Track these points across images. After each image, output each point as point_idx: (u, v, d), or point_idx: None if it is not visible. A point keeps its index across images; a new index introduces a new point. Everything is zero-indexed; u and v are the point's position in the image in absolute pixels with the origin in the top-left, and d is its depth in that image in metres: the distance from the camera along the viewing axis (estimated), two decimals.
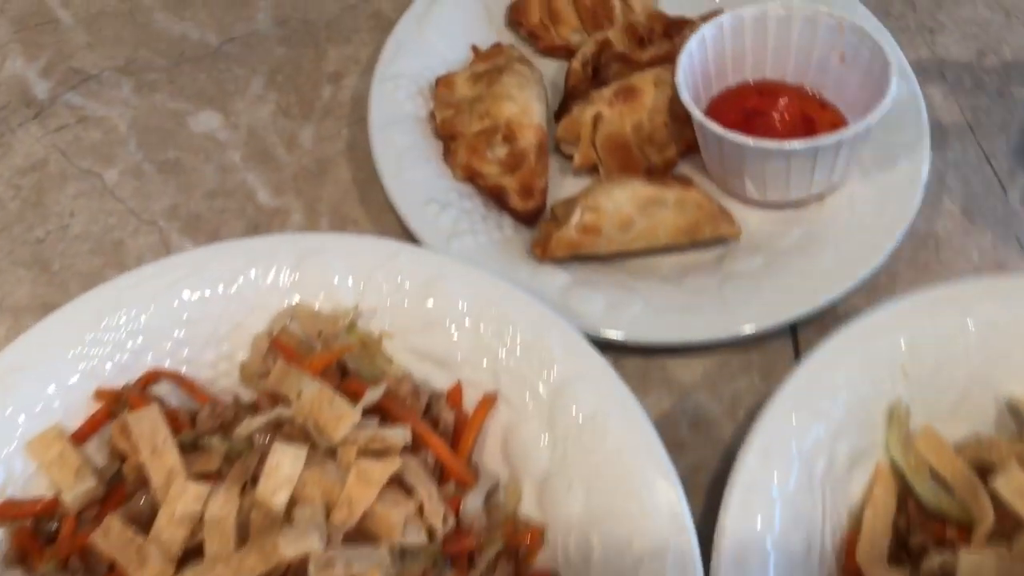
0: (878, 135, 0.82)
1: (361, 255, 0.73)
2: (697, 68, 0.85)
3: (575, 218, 0.79)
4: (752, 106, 0.88)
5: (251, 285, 0.72)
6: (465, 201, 0.84)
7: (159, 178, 0.91)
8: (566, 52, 0.96)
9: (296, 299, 0.73)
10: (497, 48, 0.94)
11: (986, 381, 0.70)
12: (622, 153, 0.86)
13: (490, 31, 0.98)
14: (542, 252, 0.80)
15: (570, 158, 0.88)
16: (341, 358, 0.71)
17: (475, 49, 0.95)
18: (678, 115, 0.85)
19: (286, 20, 1.03)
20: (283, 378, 0.67)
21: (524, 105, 0.85)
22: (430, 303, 0.72)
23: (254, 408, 0.70)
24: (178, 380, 0.71)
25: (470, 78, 0.90)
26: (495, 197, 0.85)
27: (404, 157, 0.85)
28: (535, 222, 0.85)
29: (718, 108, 0.87)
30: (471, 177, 0.86)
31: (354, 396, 0.68)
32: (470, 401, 0.71)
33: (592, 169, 0.88)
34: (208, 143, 0.93)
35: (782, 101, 0.88)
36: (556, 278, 0.80)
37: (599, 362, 0.68)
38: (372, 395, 0.67)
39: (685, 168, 0.90)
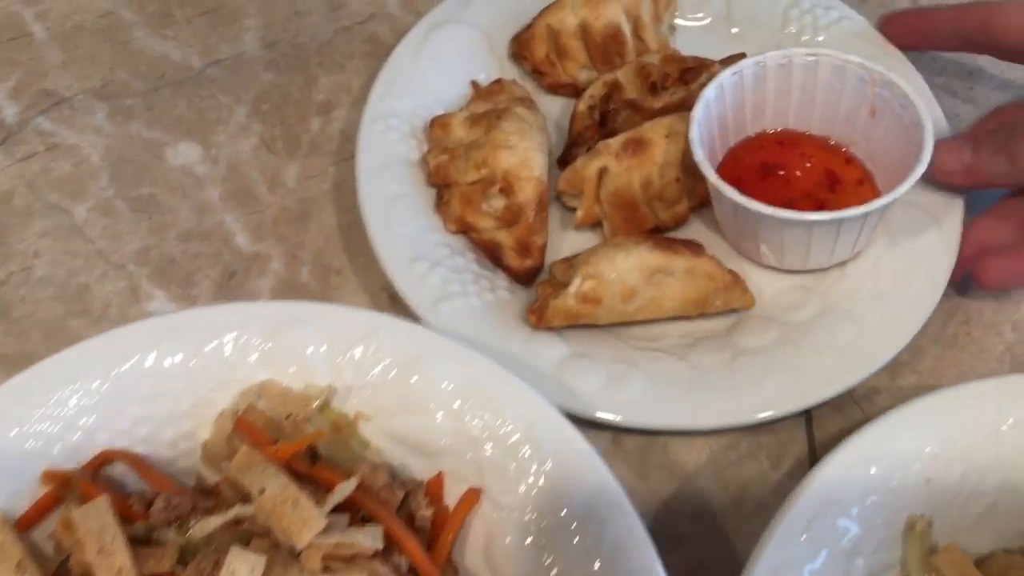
0: (907, 194, 0.75)
1: (338, 328, 0.67)
2: (714, 119, 0.78)
3: (574, 286, 0.72)
4: (771, 159, 0.81)
5: (216, 358, 0.66)
6: (457, 258, 0.78)
7: (131, 216, 0.85)
8: (573, 90, 0.88)
9: (265, 374, 0.67)
10: (499, 84, 0.87)
11: (1017, 490, 0.64)
12: (629, 210, 0.79)
13: (492, 65, 0.90)
14: (537, 320, 0.74)
15: (572, 210, 0.82)
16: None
17: (475, 85, 0.88)
18: (691, 169, 0.78)
19: (275, 42, 0.96)
20: (247, 467, 0.62)
21: (524, 155, 0.78)
22: (412, 384, 0.66)
23: (215, 493, 0.65)
24: (134, 463, 0.65)
25: (467, 120, 0.83)
26: (489, 253, 0.79)
27: (393, 207, 0.79)
28: (532, 282, 0.79)
29: (735, 160, 0.81)
30: (464, 230, 0.80)
31: (324, 484, 0.63)
32: (451, 494, 0.65)
33: (596, 224, 0.81)
34: (185, 178, 0.87)
35: (804, 154, 0.81)
36: (552, 349, 0.74)
37: (594, 461, 0.62)
38: (342, 492, 0.61)
39: (697, 223, 0.83)
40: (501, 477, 0.63)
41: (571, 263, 0.76)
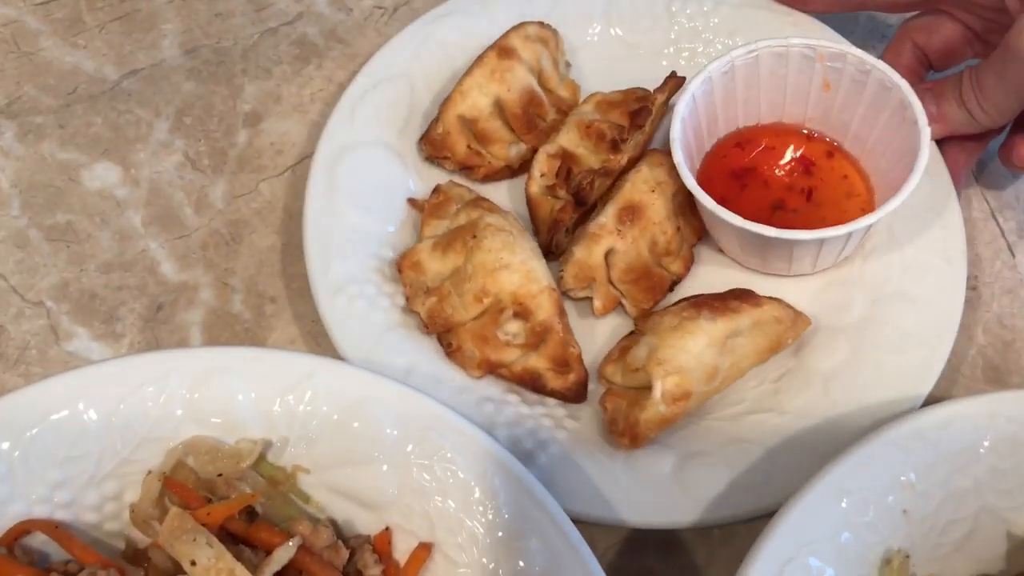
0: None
1: (268, 374, 0.62)
2: (684, 152, 0.73)
3: (657, 391, 0.66)
4: (739, 165, 0.78)
5: (138, 413, 0.61)
6: (506, 409, 0.70)
7: (47, 247, 0.79)
8: (509, 172, 0.81)
9: (192, 429, 0.61)
10: (441, 194, 0.77)
11: (996, 514, 0.61)
12: (645, 279, 0.74)
13: (411, 176, 0.80)
14: (632, 442, 0.67)
15: (579, 300, 0.76)
16: None
17: (414, 204, 0.79)
18: (685, 208, 0.75)
19: (196, 48, 0.89)
20: (178, 533, 0.57)
21: (525, 270, 0.70)
22: (353, 432, 0.61)
23: (144, 558, 0.60)
24: (54, 533, 0.60)
25: (435, 247, 0.74)
26: (529, 384, 0.71)
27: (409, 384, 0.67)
28: (584, 395, 0.71)
29: (707, 179, 0.77)
30: (491, 370, 0.71)
31: (263, 546, 0.59)
32: (401, 549, 0.61)
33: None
34: (104, 203, 0.81)
35: (766, 147, 0.79)
36: (659, 460, 0.68)
37: (553, 508, 0.58)
38: (279, 559, 0.57)
39: (703, 252, 0.79)
40: (453, 530, 0.59)
41: (623, 362, 0.70)
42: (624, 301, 0.75)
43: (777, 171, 0.78)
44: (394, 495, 0.61)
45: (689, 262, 0.77)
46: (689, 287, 0.76)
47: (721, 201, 0.70)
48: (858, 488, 0.59)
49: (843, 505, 0.58)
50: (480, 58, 0.80)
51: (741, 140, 0.79)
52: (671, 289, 0.76)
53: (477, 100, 0.79)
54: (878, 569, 0.59)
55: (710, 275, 0.77)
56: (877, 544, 0.59)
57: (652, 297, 0.75)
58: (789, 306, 0.72)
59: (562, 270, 0.74)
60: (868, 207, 0.75)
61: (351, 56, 0.89)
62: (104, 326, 0.75)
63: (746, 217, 0.69)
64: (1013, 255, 0.79)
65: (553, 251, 0.76)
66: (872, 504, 0.59)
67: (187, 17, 0.91)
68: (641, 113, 0.77)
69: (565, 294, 0.75)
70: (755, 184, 0.77)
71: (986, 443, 0.61)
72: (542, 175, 0.77)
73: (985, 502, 0.61)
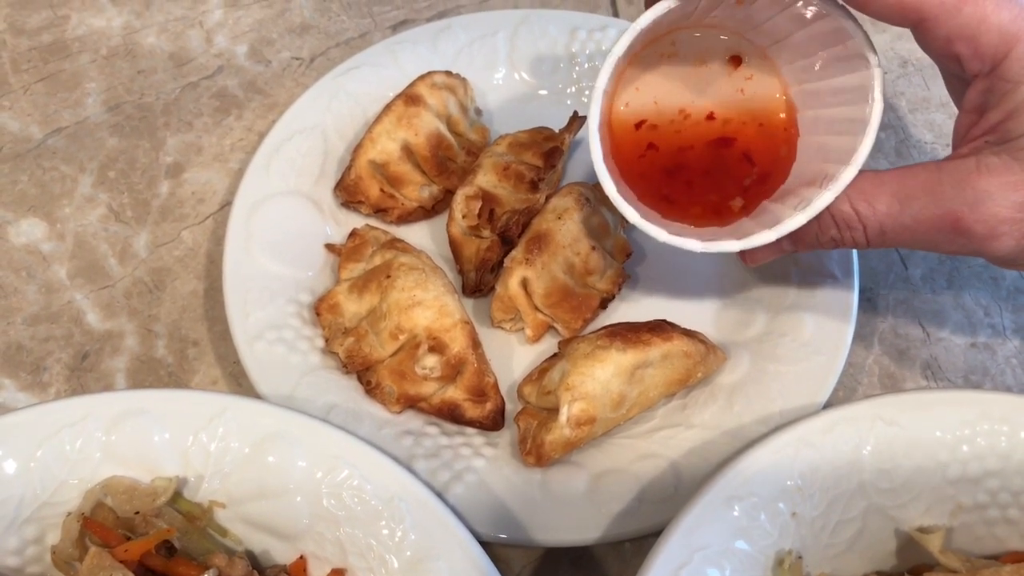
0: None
1: (181, 414, 0.64)
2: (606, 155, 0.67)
3: (564, 415, 0.68)
4: (669, 163, 0.70)
5: (56, 457, 0.63)
6: (425, 441, 0.72)
7: None
8: (423, 213, 0.84)
9: (110, 470, 0.63)
10: (357, 236, 0.80)
11: (884, 513, 0.64)
12: (569, 300, 0.76)
13: (326, 222, 0.83)
14: (536, 460, 0.69)
15: (505, 330, 0.79)
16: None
17: (332, 249, 0.81)
18: (597, 230, 0.78)
19: (119, 105, 0.92)
20: (96, 572, 0.59)
21: (437, 305, 0.73)
22: (265, 466, 0.63)
23: None
24: None
25: (351, 289, 0.77)
26: (447, 415, 0.74)
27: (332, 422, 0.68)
28: (501, 423, 0.74)
29: (645, 186, 0.70)
30: (410, 404, 0.74)
31: None
32: None
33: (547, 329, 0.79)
34: (30, 258, 0.83)
35: (675, 132, 0.70)
36: (575, 480, 0.70)
37: (459, 531, 0.61)
38: None
39: (637, 272, 0.82)
40: (363, 555, 0.61)
41: (539, 384, 0.73)
42: (555, 324, 0.78)
43: (701, 153, 0.70)
44: (307, 524, 0.63)
45: (621, 280, 0.79)
46: (626, 307, 0.81)
47: (664, 200, 0.69)
48: (748, 494, 0.61)
49: (735, 512, 0.61)
50: (388, 106, 0.83)
51: (640, 124, 0.70)
52: (603, 307, 0.79)
53: (386, 145, 0.82)
54: (771, 571, 0.62)
55: (644, 296, 0.81)
56: (769, 547, 0.62)
57: (580, 316, 0.77)
58: (703, 341, 0.74)
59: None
60: (791, 128, 0.69)
61: (270, 106, 0.92)
62: (30, 377, 0.77)
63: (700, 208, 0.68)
64: (906, 267, 0.83)
65: (482, 289, 0.79)
66: (762, 509, 0.62)
67: (110, 75, 0.94)
68: (554, 153, 0.81)
69: (496, 326, 0.78)
70: (699, 179, 0.70)
71: (868, 446, 0.64)
72: (464, 216, 0.79)
73: (872, 501, 0.64)
